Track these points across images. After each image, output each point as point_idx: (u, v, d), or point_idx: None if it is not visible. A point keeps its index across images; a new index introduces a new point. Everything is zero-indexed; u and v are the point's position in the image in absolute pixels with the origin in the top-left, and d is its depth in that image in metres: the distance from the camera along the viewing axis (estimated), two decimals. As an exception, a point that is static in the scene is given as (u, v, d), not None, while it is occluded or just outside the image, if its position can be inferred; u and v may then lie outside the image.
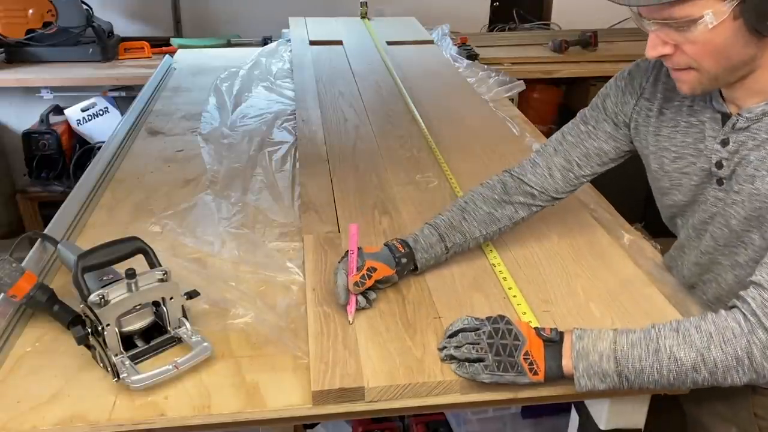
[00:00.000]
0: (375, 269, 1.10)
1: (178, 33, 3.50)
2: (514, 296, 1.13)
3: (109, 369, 0.97)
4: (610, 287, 1.17)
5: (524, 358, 0.93)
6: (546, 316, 1.08)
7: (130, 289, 0.98)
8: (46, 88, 2.96)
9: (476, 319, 1.00)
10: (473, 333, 0.97)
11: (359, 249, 1.11)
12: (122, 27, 3.35)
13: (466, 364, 0.95)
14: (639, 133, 1.17)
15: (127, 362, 0.96)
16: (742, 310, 0.90)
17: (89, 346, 1.01)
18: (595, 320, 1.08)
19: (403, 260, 1.15)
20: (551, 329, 0.97)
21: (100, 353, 0.99)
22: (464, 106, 2.14)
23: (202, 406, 0.93)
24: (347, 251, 1.09)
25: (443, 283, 1.18)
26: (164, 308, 1.03)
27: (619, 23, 3.34)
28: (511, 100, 2.37)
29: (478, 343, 0.95)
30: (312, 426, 1.91)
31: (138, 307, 1.01)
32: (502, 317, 0.98)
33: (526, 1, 3.76)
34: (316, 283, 1.17)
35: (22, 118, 3.04)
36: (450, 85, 2.37)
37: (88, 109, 2.90)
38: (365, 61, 2.61)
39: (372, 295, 1.11)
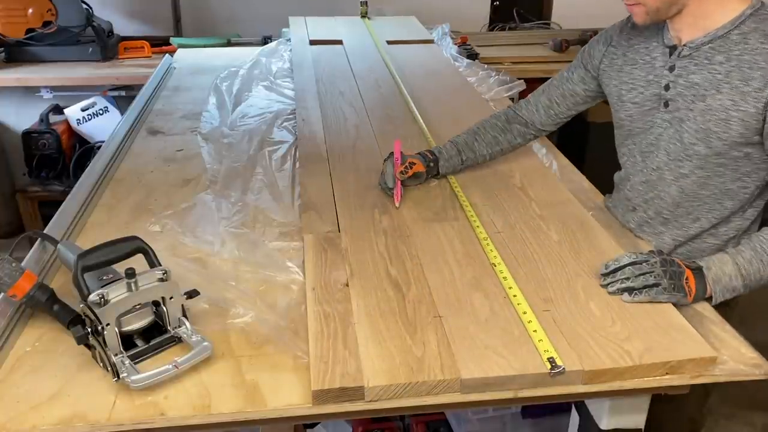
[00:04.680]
0: (414, 163, 1.49)
1: (178, 32, 3.50)
2: (515, 296, 1.13)
3: (109, 369, 0.97)
4: (611, 287, 1.17)
5: (685, 283, 1.13)
6: (546, 316, 1.08)
7: (129, 289, 0.98)
8: (45, 87, 2.96)
9: (640, 253, 1.16)
10: (644, 264, 1.13)
11: (401, 153, 1.50)
12: (122, 26, 3.36)
13: (645, 290, 1.11)
14: (606, 73, 1.43)
15: (127, 362, 0.96)
16: None
17: (89, 346, 1.01)
18: (595, 320, 1.07)
19: (431, 164, 1.54)
20: (691, 260, 1.18)
21: (99, 353, 0.99)
22: (464, 105, 2.14)
23: (202, 405, 0.93)
24: (391, 153, 1.51)
25: (443, 282, 1.18)
26: (164, 308, 1.03)
27: (619, 23, 3.33)
28: (512, 99, 2.37)
29: (653, 271, 1.12)
30: (312, 426, 1.92)
31: (138, 306, 1.01)
32: (660, 251, 1.16)
33: (526, 1, 3.76)
34: (316, 283, 1.17)
35: (22, 117, 3.04)
36: (450, 84, 2.37)
37: (87, 109, 2.90)
38: (365, 61, 2.61)
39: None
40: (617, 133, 1.45)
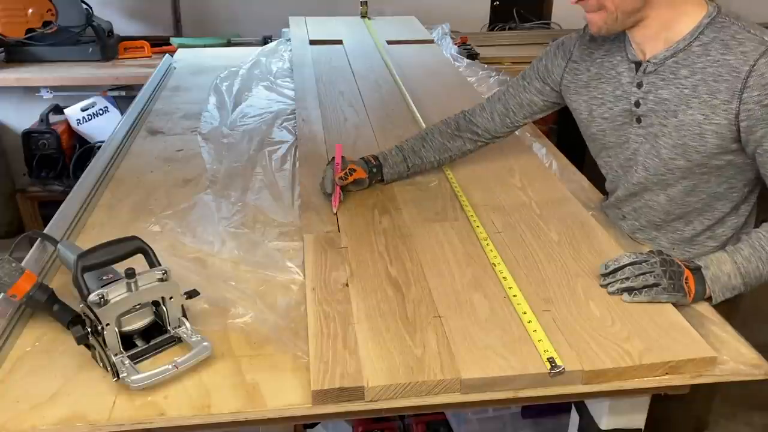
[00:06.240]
0: (354, 170, 1.46)
1: (178, 32, 3.50)
2: (515, 296, 1.13)
3: (108, 368, 0.97)
4: (611, 287, 1.17)
5: (685, 283, 1.12)
6: (546, 316, 1.08)
7: (129, 289, 0.98)
8: (45, 87, 2.96)
9: (639, 253, 1.16)
10: (644, 264, 1.12)
11: (342, 158, 1.49)
12: (122, 26, 3.36)
13: (644, 290, 1.10)
14: (570, 89, 1.41)
15: (127, 362, 0.96)
16: None
17: (89, 346, 1.01)
18: (595, 320, 1.07)
19: (374, 170, 1.51)
20: (690, 260, 1.16)
21: (99, 353, 0.99)
22: (464, 105, 2.12)
23: (201, 405, 0.93)
24: (332, 157, 1.49)
25: (443, 283, 1.18)
26: (164, 308, 1.03)
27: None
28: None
29: (653, 271, 1.11)
30: (312, 426, 1.92)
31: (138, 306, 1.01)
32: (659, 251, 1.15)
33: (526, 1, 3.76)
34: (316, 283, 1.17)
35: (22, 117, 3.04)
36: (450, 84, 2.37)
37: (87, 109, 2.90)
38: (365, 61, 2.61)
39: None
40: (591, 146, 1.45)
